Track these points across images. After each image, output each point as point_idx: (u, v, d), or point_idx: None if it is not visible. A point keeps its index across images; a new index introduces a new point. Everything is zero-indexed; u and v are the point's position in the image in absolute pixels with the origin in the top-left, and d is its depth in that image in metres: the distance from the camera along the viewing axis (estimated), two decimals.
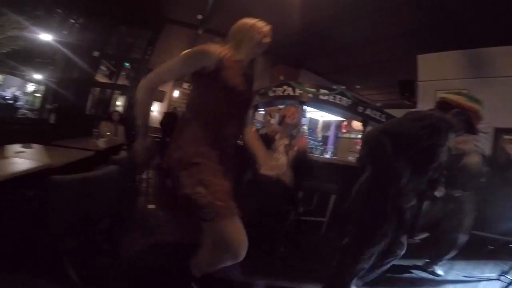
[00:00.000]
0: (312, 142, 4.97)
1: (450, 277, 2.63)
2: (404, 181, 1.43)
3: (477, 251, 2.99)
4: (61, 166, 1.95)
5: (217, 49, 1.16)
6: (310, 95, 3.93)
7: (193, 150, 1.13)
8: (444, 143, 1.43)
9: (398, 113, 5.93)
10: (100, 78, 6.43)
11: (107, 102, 6.53)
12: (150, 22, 5.75)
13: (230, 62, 1.18)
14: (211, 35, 5.44)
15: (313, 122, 6.20)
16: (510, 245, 2.79)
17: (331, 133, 6.65)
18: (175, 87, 9.39)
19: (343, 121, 6.70)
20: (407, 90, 5.62)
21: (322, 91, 4.02)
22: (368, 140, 1.62)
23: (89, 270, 1.65)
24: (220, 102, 1.19)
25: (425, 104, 5.20)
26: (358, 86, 8.18)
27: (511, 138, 4.28)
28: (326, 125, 6.46)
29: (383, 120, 4.55)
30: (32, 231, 1.29)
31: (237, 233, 1.10)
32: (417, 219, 1.59)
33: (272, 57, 6.83)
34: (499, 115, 4.39)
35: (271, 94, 4.45)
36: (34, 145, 2.61)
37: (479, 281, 2.48)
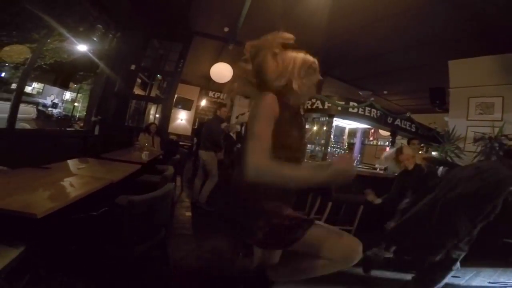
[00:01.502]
0: (338, 150, 5.02)
1: (475, 283, 2.65)
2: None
3: (505, 259, 2.95)
4: (119, 180, 2.20)
5: None
6: (339, 108, 4.00)
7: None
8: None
9: (427, 118, 5.83)
10: (135, 89, 6.85)
11: (142, 112, 6.95)
12: (180, 35, 6.07)
13: None
14: (241, 47, 5.65)
15: (339, 130, 6.22)
16: None
17: (357, 140, 6.63)
18: (202, 95, 9.75)
19: (370, 128, 6.66)
20: (438, 97, 5.49)
21: (351, 103, 4.07)
22: None
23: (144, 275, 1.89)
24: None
25: (457, 111, 5.08)
26: (385, 92, 8.05)
27: None
28: (352, 133, 6.45)
29: (413, 129, 4.50)
30: (104, 243, 1.52)
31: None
32: None
33: None
34: None
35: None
36: (89, 159, 2.92)
37: (504, 287, 2.47)
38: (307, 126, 6.03)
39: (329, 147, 4.93)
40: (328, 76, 7.51)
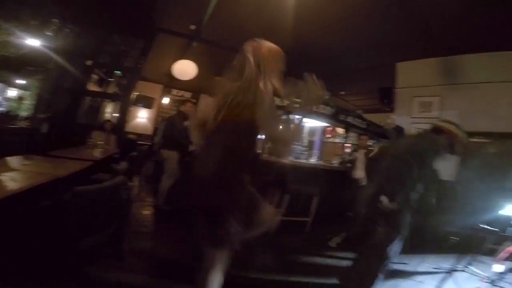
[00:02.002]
0: (298, 147, 5.18)
1: (421, 269, 2.94)
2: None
3: (446, 246, 3.31)
4: (67, 176, 2.11)
5: None
6: (297, 105, 4.08)
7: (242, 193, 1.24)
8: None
9: (379, 117, 6.28)
10: (91, 86, 6.50)
11: (97, 110, 6.59)
12: (143, 32, 5.87)
13: None
14: (206, 45, 5.62)
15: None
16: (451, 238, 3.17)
17: (317, 138, 6.95)
18: (164, 93, 9.49)
19: (328, 127, 7.01)
20: (386, 96, 5.96)
21: None
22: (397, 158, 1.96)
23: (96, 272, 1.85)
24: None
25: (402, 109, 5.57)
26: (342, 92, 8.54)
27: (478, 141, 4.64)
28: (312, 131, 6.74)
29: (364, 126, 4.83)
30: (50, 236, 1.47)
31: None
32: None
33: None
34: (469, 120, 4.81)
35: None
36: (35, 157, 2.75)
37: (447, 272, 2.76)
38: None
39: None
40: (288, 75, 7.76)
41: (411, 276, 2.74)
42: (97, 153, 3.39)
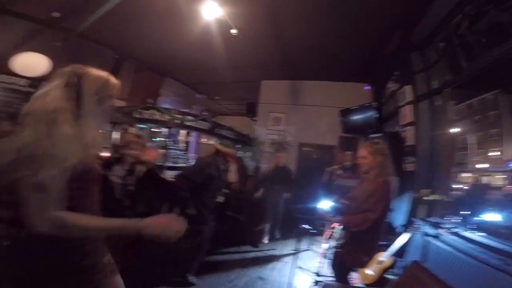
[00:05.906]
0: (174, 151, 5.50)
1: (285, 251, 3.89)
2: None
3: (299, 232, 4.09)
4: None
5: None
6: (177, 121, 4.52)
7: None
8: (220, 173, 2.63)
9: (244, 120, 7.36)
10: None
11: None
12: None
13: None
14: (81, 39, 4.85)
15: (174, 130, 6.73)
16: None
17: (193, 140, 7.49)
18: None
19: None
20: (251, 110, 7.17)
21: (188, 117, 4.66)
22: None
23: None
24: None
25: (262, 122, 6.82)
26: (217, 97, 9.52)
27: (308, 150, 6.48)
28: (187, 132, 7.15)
29: (233, 137, 5.71)
30: None
31: None
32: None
33: (137, 63, 6.87)
34: (301, 134, 6.46)
35: (136, 115, 4.48)
36: None
37: (299, 252, 3.64)
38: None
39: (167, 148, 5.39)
40: (169, 77, 7.92)
41: (280, 258, 3.60)
42: None
